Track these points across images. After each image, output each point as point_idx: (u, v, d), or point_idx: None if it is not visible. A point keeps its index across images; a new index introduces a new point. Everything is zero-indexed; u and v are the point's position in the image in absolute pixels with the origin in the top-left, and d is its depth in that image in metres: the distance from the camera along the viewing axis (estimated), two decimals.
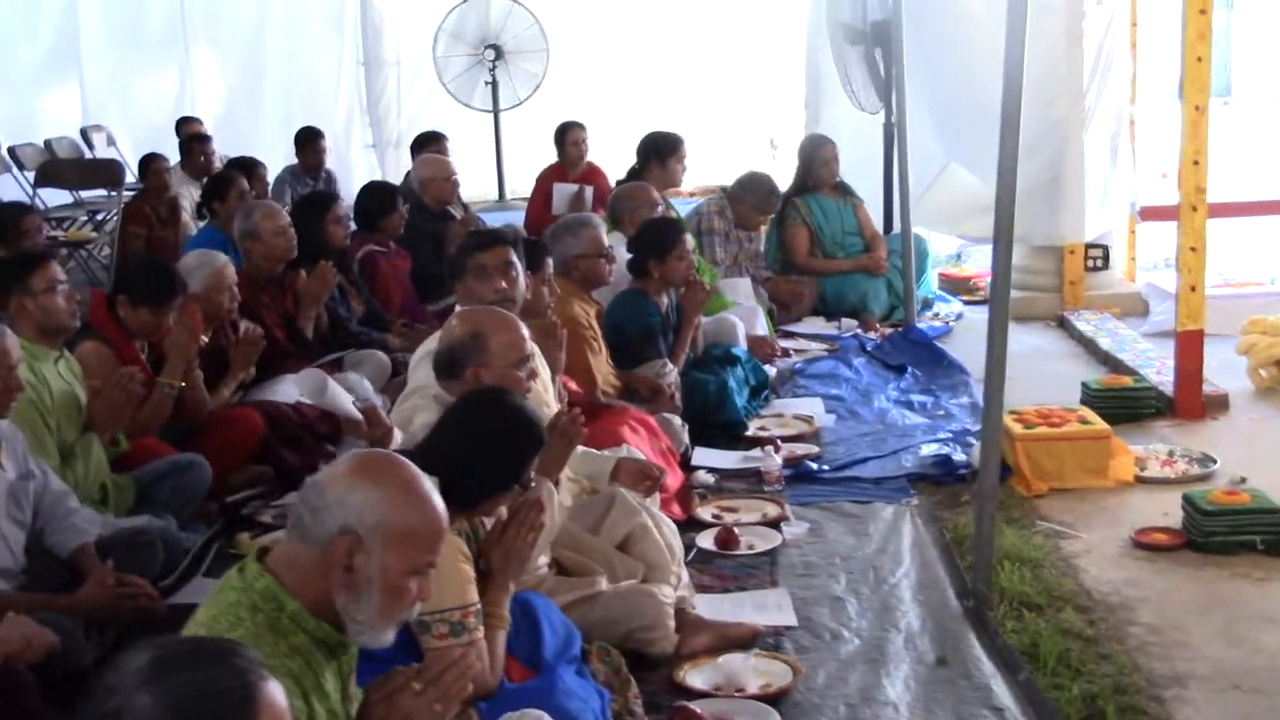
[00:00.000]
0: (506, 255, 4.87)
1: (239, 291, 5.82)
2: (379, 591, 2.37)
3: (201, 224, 8.19)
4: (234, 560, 4.62)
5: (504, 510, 3.34)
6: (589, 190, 9.69)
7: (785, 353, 7.63)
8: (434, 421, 3.67)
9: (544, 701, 3.16)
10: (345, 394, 5.44)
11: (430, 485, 2.49)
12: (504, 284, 4.80)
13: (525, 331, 3.98)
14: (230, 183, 7.74)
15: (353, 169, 13.12)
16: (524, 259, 5.00)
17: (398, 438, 4.15)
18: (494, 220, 9.71)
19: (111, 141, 12.16)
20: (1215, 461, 5.54)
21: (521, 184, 13.31)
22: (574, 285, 5.90)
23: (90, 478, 4.65)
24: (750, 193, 8.42)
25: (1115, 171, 8.40)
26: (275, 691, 1.82)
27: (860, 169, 9.04)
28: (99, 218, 10.81)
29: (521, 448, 3.28)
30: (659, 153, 8.30)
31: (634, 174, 8.29)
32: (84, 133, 12.10)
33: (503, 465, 3.24)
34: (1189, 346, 6.24)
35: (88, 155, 11.80)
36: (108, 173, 10.69)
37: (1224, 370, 6.59)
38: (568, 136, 9.95)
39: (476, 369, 3.80)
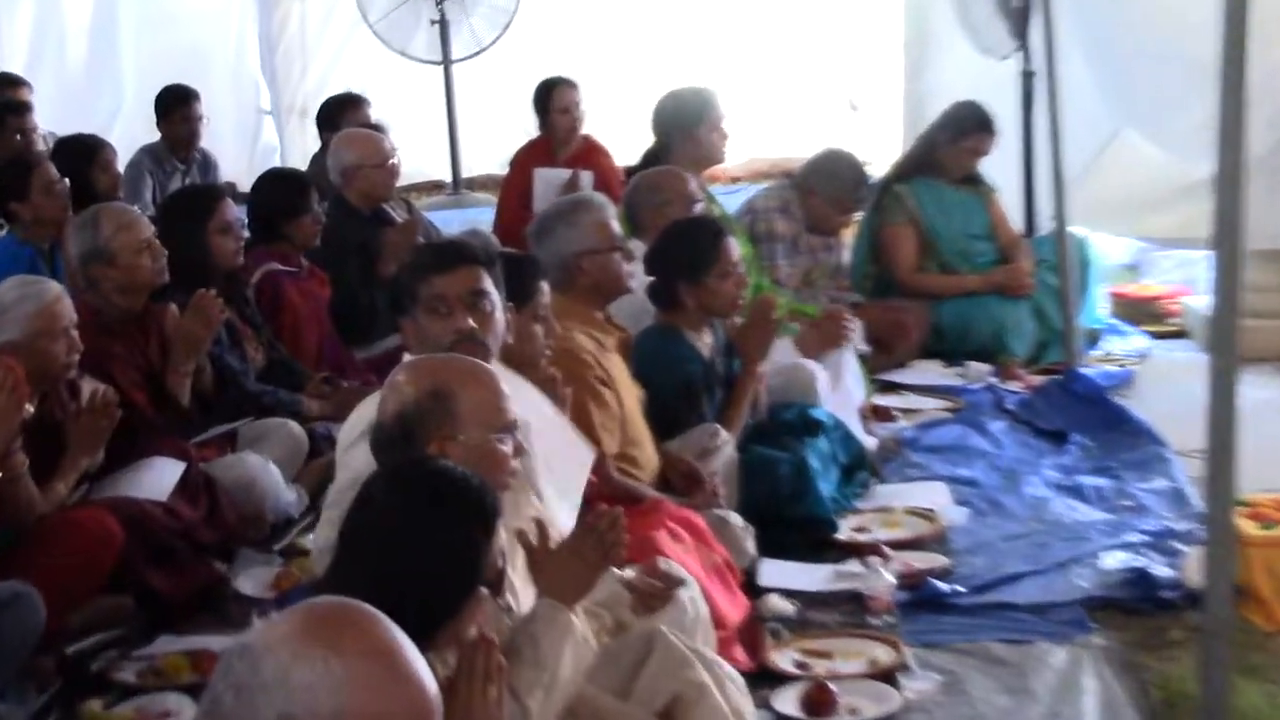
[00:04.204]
0: (476, 281, 4.83)
1: (79, 338, 5.73)
2: None
3: None
4: None
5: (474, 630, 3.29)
6: (586, 176, 9.65)
7: (889, 414, 7.61)
8: None
9: None
10: None
11: (415, 654, 2.39)
12: (472, 322, 4.74)
13: (505, 386, 3.97)
14: (33, 171, 7.66)
15: (239, 149, 13.15)
16: (503, 283, 4.96)
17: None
18: (447, 223, 9.79)
19: None
20: None
21: (484, 167, 13.50)
22: (579, 301, 5.92)
23: None
24: (828, 181, 8.40)
25: None
26: None
27: None
28: None
29: (463, 526, 3.25)
30: (682, 122, 8.24)
31: (652, 158, 8.23)
32: None
33: (444, 563, 3.20)
34: None
35: None
36: None
37: None
38: (554, 100, 9.92)
39: (441, 442, 3.80)
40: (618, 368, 5.89)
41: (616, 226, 6.12)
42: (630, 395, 5.90)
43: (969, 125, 8.85)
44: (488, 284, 4.84)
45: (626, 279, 6.10)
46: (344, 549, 3.27)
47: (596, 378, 5.71)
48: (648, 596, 4.42)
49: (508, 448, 3.87)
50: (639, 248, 6.62)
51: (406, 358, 4.45)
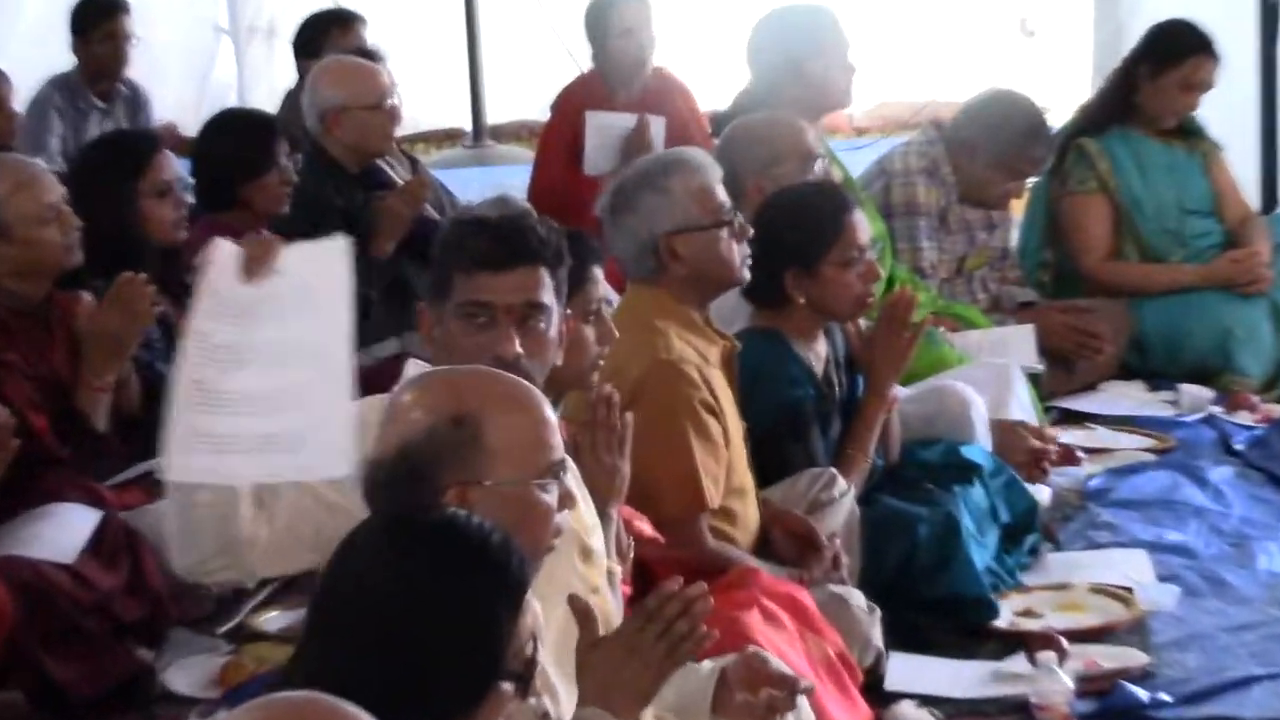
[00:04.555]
0: (534, 290, 4.64)
1: None
2: None
3: None
4: None
5: None
6: (657, 124, 9.31)
7: (1070, 455, 7.31)
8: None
9: None
10: None
11: None
12: (519, 345, 4.56)
13: (551, 413, 3.85)
14: None
15: (183, 80, 13.40)
16: (566, 286, 4.86)
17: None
18: (466, 185, 10.07)
19: None
20: None
21: (516, 111, 13.91)
22: (672, 296, 5.73)
23: None
24: (992, 134, 8.25)
25: None
26: None
27: None
28: None
29: (479, 598, 3.12)
30: (791, 52, 7.97)
31: (749, 101, 8.01)
32: None
33: (453, 648, 3.08)
34: None
35: None
36: None
37: None
38: (614, 19, 9.55)
39: (462, 487, 3.67)
40: (723, 390, 5.69)
41: (722, 194, 5.82)
42: (737, 428, 5.72)
43: (1179, 48, 8.58)
44: (548, 294, 4.68)
45: (738, 266, 5.81)
46: (317, 627, 3.14)
47: (703, 402, 5.57)
48: (764, 711, 4.27)
49: (551, 497, 3.73)
50: None
51: (412, 368, 4.47)
